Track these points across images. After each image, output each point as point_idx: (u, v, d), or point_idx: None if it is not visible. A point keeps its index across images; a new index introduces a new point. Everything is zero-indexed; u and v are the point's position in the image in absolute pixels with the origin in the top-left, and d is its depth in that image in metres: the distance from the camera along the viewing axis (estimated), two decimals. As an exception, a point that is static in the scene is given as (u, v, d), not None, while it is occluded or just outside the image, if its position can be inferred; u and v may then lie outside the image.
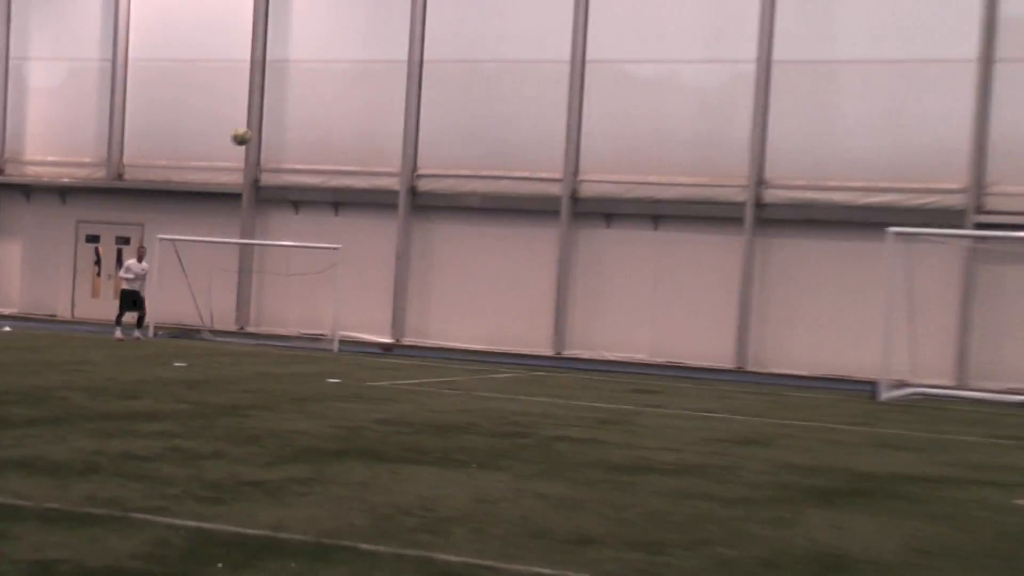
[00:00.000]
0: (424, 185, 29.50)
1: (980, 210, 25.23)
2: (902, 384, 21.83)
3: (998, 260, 25.02)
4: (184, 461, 9.46)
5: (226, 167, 31.06)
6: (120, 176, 32.44)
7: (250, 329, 30.55)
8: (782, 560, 7.07)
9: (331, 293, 27.60)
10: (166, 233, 29.57)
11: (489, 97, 28.93)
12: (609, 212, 28.08)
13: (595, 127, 28.07)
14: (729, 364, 26.68)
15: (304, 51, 30.65)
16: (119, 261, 30.73)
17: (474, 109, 29.01)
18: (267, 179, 30.97)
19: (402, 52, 29.47)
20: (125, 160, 32.41)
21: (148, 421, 11.95)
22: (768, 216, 26.75)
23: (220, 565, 6.14)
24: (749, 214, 26.69)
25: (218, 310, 30.31)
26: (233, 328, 30.41)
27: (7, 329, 27.43)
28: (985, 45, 25.25)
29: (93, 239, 33.08)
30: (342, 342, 27.23)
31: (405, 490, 8.70)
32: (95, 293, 33.00)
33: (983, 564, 7.41)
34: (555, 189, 28.21)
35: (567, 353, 27.89)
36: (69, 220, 33.19)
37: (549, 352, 27.99)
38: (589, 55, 28.11)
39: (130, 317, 26.66)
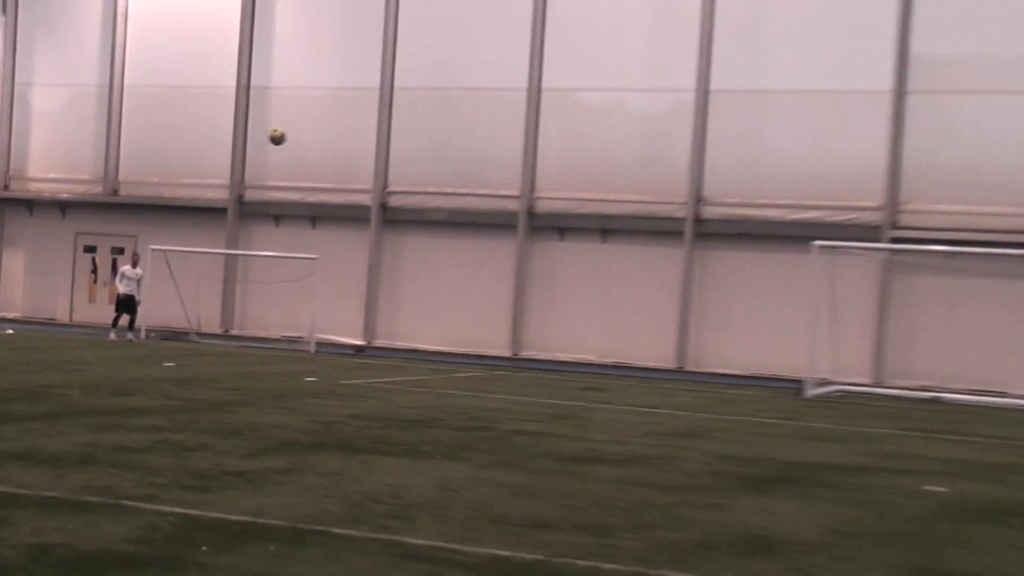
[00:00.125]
0: (394, 201, 29.43)
1: (894, 226, 25.44)
2: (825, 382, 21.94)
3: (910, 271, 25.25)
4: (172, 453, 9.38)
5: (213, 184, 30.94)
6: (116, 192, 32.17)
7: (234, 332, 30.36)
8: (717, 541, 7.09)
9: (308, 299, 27.48)
10: (158, 244, 29.36)
11: (454, 121, 28.91)
12: (562, 226, 28.11)
13: (549, 149, 28.10)
14: (670, 364, 26.74)
15: (285, 79, 30.54)
16: (114, 270, 30.48)
17: (440, 132, 28.98)
18: (250, 195, 30.81)
19: (374, 80, 29.42)
20: (120, 177, 32.15)
21: (139, 416, 11.84)
22: (705, 231, 26.86)
23: (205, 548, 6.09)
24: (688, 229, 26.80)
25: (205, 314, 30.11)
26: (218, 331, 30.22)
27: (10, 331, 27.15)
28: (898, 79, 25.50)
29: (90, 249, 32.80)
30: (318, 344, 27.10)
31: (375, 479, 8.67)
32: (91, 299, 32.72)
33: (894, 543, 7.45)
34: (513, 205, 28.22)
35: (524, 354, 27.87)
36: (68, 232, 32.90)
37: (507, 353, 27.97)
38: (544, 84, 28.15)
39: (123, 320, 26.73)
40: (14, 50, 33.21)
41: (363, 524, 6.94)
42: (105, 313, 29.24)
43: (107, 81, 32.03)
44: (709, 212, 26.85)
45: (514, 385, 20.31)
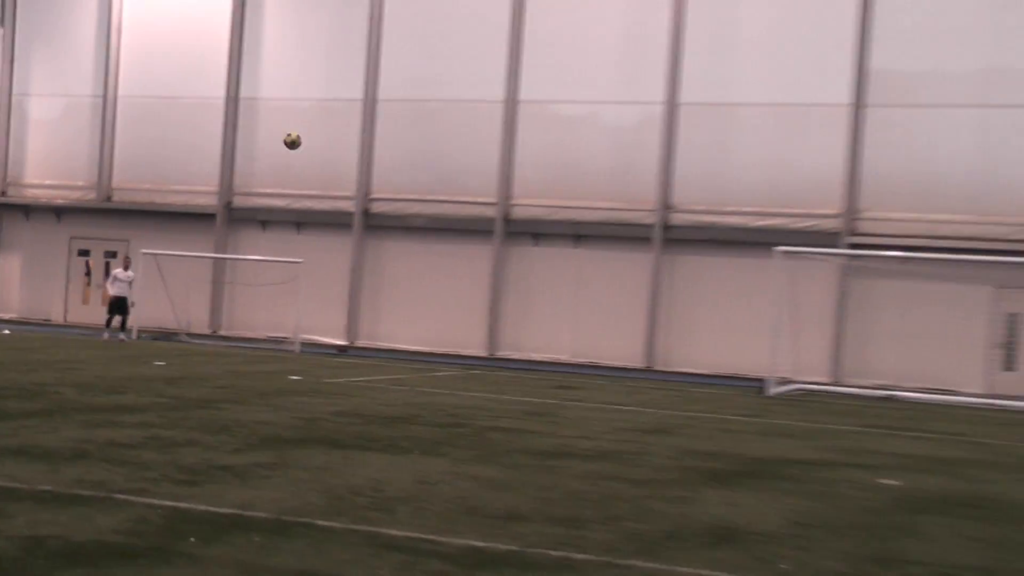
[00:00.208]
0: (376, 208, 29.38)
1: (853, 232, 25.58)
2: (786, 381, 22.03)
3: (868, 275, 25.37)
4: (162, 448, 9.34)
5: (203, 190, 30.81)
6: (109, 198, 32.00)
7: (222, 332, 30.23)
8: (683, 532, 7.11)
9: (294, 301, 27.39)
10: (149, 248, 29.26)
11: (434, 132, 28.89)
12: (537, 232, 28.12)
13: (525, 158, 28.12)
14: (639, 364, 26.79)
15: (272, 90, 30.45)
16: (107, 273, 30.31)
17: (421, 142, 28.96)
18: (239, 201, 30.70)
19: (358, 92, 29.38)
20: (114, 184, 31.97)
21: (131, 413, 11.78)
22: (673, 236, 26.93)
23: (193, 539, 6.07)
24: (657, 235, 26.87)
25: (194, 315, 29.99)
26: (207, 331, 30.08)
27: (6, 332, 26.95)
28: (856, 93, 25.64)
29: (84, 253, 32.59)
30: (303, 344, 27.03)
31: (357, 473, 8.65)
32: (85, 300, 32.51)
33: (850, 534, 7.49)
34: (490, 212, 28.22)
35: (499, 354, 27.86)
36: (63, 236, 32.69)
37: (484, 353, 27.95)
38: (521, 96, 28.17)
39: (115, 321, 26.64)
40: (12, 61, 33.00)
41: (345, 516, 6.93)
42: (98, 314, 29.08)
43: (101, 92, 31.85)
44: (677, 219, 26.92)
45: (490, 384, 20.30)
